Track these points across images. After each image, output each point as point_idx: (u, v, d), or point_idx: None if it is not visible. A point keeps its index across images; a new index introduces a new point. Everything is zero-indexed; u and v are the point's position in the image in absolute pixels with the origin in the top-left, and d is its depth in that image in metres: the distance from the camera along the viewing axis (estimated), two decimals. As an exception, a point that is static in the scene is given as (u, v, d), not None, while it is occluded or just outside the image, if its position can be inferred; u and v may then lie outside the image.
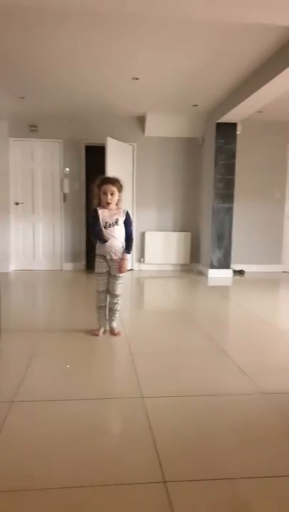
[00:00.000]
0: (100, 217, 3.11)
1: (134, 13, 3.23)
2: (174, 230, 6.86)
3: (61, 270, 6.70)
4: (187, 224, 6.90)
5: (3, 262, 6.44)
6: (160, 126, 6.51)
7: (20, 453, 1.64)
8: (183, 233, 6.80)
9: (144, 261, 6.80)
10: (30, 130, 6.42)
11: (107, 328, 3.29)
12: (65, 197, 6.63)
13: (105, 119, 6.45)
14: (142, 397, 2.13)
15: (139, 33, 3.63)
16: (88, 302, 4.31)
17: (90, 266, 6.52)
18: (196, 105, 5.90)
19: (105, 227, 3.11)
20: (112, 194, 3.07)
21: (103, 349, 2.99)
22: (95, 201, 3.19)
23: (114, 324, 3.28)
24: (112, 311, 3.25)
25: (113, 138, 6.13)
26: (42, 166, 6.58)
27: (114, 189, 3.09)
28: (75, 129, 6.50)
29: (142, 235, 6.78)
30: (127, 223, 3.19)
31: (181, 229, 6.88)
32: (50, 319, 3.66)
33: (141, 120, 6.58)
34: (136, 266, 6.82)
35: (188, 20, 3.38)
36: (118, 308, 3.26)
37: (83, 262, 6.78)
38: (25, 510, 1.34)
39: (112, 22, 3.44)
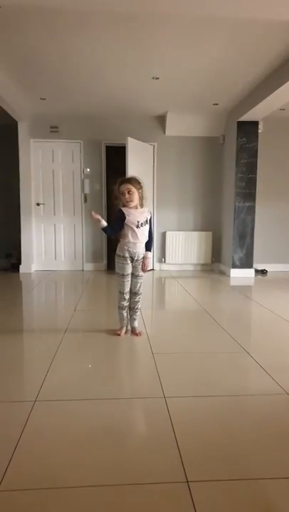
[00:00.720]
0: (130, 218, 3.06)
1: (156, 13, 3.23)
2: (195, 230, 6.82)
3: (82, 270, 6.74)
4: (208, 223, 6.85)
5: (25, 262, 6.53)
6: (181, 125, 6.48)
7: (43, 451, 1.65)
8: (204, 233, 6.76)
9: (164, 261, 6.78)
10: (51, 131, 6.49)
11: (129, 328, 3.29)
12: (85, 197, 6.67)
13: (126, 119, 6.47)
14: (164, 397, 2.12)
15: (160, 33, 3.62)
16: (110, 302, 4.33)
17: (110, 266, 6.55)
18: (216, 104, 5.85)
19: (138, 227, 3.09)
20: (129, 192, 3.04)
21: (125, 349, 2.99)
22: (119, 203, 3.17)
23: (136, 324, 3.28)
24: (133, 310, 3.25)
25: (133, 138, 6.13)
26: (63, 166, 6.64)
27: (131, 187, 3.05)
28: (95, 129, 6.54)
29: (163, 235, 6.76)
30: (149, 223, 3.19)
31: (202, 228, 6.84)
32: (72, 319, 3.68)
33: (161, 120, 6.56)
34: (157, 266, 6.81)
35: (210, 18, 3.35)
36: (139, 306, 3.26)
37: (104, 262, 6.81)
38: (49, 508, 1.34)
39: (132, 22, 3.44)
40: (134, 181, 3.09)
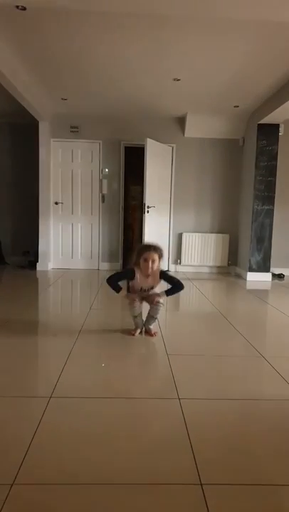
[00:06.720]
0: (137, 281, 3.12)
1: (179, 14, 3.23)
2: (212, 232, 6.79)
3: (98, 270, 6.77)
4: (225, 226, 6.81)
5: (42, 260, 6.59)
6: (200, 127, 6.47)
7: (57, 447, 1.66)
8: (221, 235, 6.72)
9: (180, 262, 6.76)
10: (71, 131, 6.54)
11: (144, 329, 3.29)
12: (103, 198, 6.70)
13: (145, 120, 6.48)
14: (179, 398, 2.11)
15: (182, 34, 3.62)
16: (124, 302, 4.32)
17: (126, 266, 6.56)
18: (237, 106, 5.82)
19: (140, 290, 3.16)
20: (153, 261, 3.03)
21: (139, 349, 2.99)
22: (133, 262, 3.16)
23: (152, 326, 3.27)
24: (152, 317, 3.23)
25: (152, 139, 6.14)
26: (82, 166, 6.68)
27: (156, 257, 3.05)
28: (114, 129, 6.56)
29: (179, 236, 6.75)
30: (169, 280, 3.15)
31: (219, 231, 6.80)
32: (88, 317, 3.70)
33: (181, 121, 6.56)
34: (172, 267, 6.80)
35: (235, 20, 3.33)
36: (157, 316, 3.24)
37: (120, 262, 6.83)
38: (62, 503, 1.35)
39: (155, 23, 3.44)
40: (159, 251, 3.10)
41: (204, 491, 1.41)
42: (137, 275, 3.11)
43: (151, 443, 1.72)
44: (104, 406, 2.03)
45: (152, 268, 3.05)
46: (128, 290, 3.22)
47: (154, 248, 3.10)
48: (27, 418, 1.87)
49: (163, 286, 3.22)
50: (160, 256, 3.09)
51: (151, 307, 3.21)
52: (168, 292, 3.14)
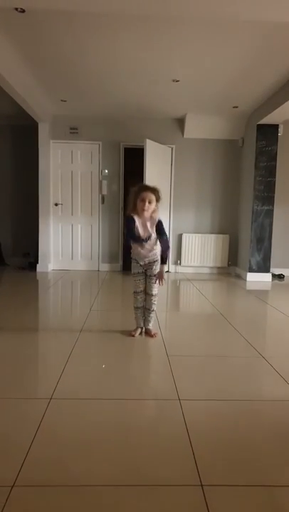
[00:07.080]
0: (137, 229, 3.05)
1: (176, 15, 3.23)
2: (212, 233, 6.79)
3: (98, 271, 6.77)
4: (225, 226, 6.81)
5: (42, 261, 6.59)
6: (199, 128, 6.47)
7: (57, 449, 1.66)
8: (221, 236, 6.72)
9: (180, 263, 6.76)
10: (71, 132, 6.54)
11: (144, 329, 3.29)
12: (103, 199, 6.70)
13: (144, 121, 6.48)
14: (179, 400, 2.11)
15: (181, 35, 3.62)
16: (125, 303, 4.33)
17: (126, 267, 6.58)
18: (236, 107, 5.82)
19: (139, 240, 3.10)
20: (149, 202, 2.98)
21: (139, 350, 2.99)
22: (130, 207, 3.09)
23: (151, 326, 3.27)
24: (148, 310, 3.25)
25: (152, 140, 6.15)
26: (81, 167, 6.68)
27: (153, 197, 3.00)
28: (114, 131, 6.57)
29: (179, 237, 6.75)
30: (160, 232, 3.09)
31: (219, 231, 6.80)
32: (88, 319, 3.70)
33: (180, 122, 6.56)
34: (172, 268, 6.80)
35: (233, 21, 3.33)
36: (154, 308, 3.25)
37: (120, 263, 6.83)
38: (61, 506, 1.35)
39: (153, 24, 3.44)
40: (157, 193, 3.04)
41: (205, 492, 1.41)
42: (136, 221, 3.04)
43: (152, 444, 1.72)
44: (105, 407, 2.03)
45: (149, 209, 2.99)
46: (129, 247, 3.18)
47: (152, 189, 3.04)
48: (27, 420, 1.87)
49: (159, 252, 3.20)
50: (157, 198, 3.03)
51: (148, 283, 3.19)
52: (164, 260, 3.14)
